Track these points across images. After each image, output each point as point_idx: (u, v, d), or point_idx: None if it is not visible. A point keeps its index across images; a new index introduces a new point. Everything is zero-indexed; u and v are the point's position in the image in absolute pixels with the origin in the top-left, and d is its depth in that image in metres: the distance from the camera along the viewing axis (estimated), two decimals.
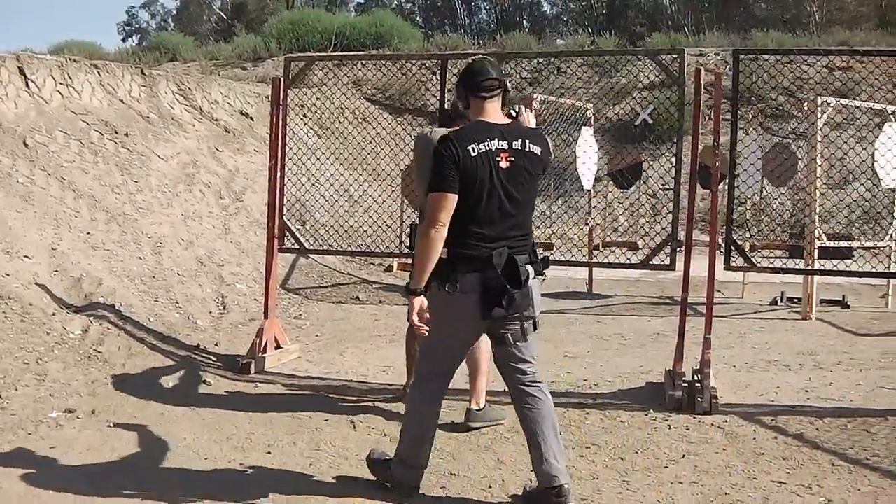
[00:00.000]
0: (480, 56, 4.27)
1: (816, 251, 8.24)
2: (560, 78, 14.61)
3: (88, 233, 7.80)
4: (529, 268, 3.80)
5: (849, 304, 9.05)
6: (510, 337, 3.83)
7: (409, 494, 4.03)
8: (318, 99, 11.42)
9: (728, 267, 5.63)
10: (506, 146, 3.76)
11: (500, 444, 4.79)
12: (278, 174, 6.44)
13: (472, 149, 3.70)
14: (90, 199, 8.36)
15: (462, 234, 3.74)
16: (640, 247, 10.47)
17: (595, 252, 9.74)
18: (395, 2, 36.26)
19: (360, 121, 13.89)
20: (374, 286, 10.06)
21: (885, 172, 7.91)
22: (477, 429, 4.98)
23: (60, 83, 10.06)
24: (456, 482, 4.24)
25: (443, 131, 4.95)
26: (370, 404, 5.49)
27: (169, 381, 5.94)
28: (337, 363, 6.55)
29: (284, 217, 6.50)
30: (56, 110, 9.74)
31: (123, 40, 41.58)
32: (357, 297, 9.35)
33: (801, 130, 13.02)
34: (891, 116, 8.95)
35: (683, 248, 5.67)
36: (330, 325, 7.99)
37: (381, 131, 9.14)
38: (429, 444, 4.04)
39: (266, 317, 6.46)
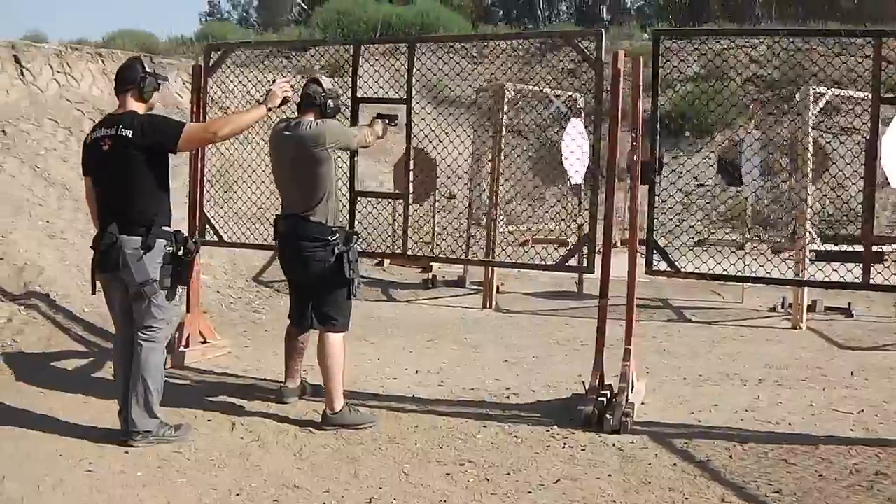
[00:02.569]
0: (130, 56, 5.02)
1: (808, 255, 7.56)
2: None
3: (48, 221, 7.75)
4: (130, 238, 4.29)
5: (853, 312, 8.31)
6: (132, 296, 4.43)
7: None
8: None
9: (649, 271, 5.15)
10: (108, 132, 4.38)
11: (369, 457, 4.44)
12: (199, 164, 6.24)
13: (88, 138, 4.53)
14: (61, 187, 8.33)
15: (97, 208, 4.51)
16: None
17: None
18: None
19: None
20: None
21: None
22: (329, 429, 4.79)
23: (58, 72, 10.11)
24: (291, 495, 3.94)
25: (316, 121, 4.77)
26: (264, 406, 5.22)
27: (74, 374, 5.79)
28: (264, 361, 6.27)
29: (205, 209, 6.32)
30: (51, 99, 9.79)
31: None
32: None
33: (856, 126, 12.10)
34: None
35: (602, 251, 5.23)
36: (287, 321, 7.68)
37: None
38: (121, 388, 4.52)
39: (188, 311, 6.26)
